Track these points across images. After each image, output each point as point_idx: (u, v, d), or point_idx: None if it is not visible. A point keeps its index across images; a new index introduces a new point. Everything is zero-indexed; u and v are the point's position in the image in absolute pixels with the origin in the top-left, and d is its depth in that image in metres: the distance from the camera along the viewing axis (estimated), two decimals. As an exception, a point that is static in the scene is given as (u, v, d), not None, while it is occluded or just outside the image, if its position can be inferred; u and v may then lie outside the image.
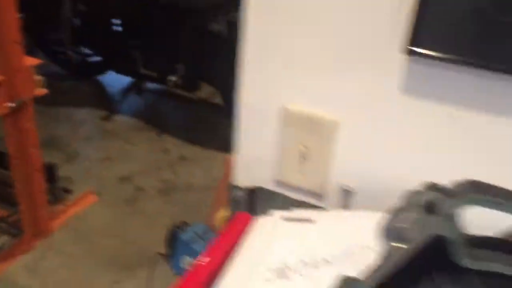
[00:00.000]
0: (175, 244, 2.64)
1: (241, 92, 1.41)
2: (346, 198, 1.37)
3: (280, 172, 1.44)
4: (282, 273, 1.07)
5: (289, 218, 1.26)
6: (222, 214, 1.62)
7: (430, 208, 0.41)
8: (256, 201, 1.49)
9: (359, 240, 1.10)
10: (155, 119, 4.70)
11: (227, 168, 1.57)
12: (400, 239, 0.42)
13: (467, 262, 0.40)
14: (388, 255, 0.43)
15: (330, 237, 1.15)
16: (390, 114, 1.25)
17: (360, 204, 1.35)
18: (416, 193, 0.43)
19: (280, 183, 1.47)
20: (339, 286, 0.45)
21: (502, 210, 0.39)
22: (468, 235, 0.43)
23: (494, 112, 1.12)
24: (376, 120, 1.27)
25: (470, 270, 0.40)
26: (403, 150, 1.27)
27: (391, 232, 0.42)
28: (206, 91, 4.92)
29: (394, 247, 0.42)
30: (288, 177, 1.43)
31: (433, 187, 0.42)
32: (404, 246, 0.41)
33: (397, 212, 0.42)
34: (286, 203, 1.44)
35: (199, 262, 1.16)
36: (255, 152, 1.46)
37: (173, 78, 4.16)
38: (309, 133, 1.35)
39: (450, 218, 0.39)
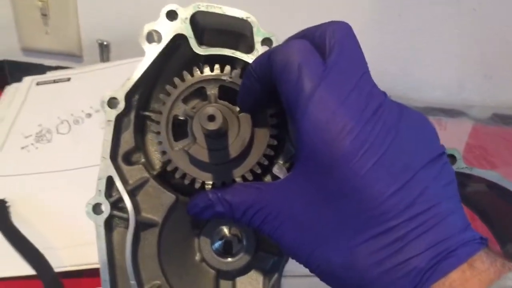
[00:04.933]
0: None
1: None
2: (103, 52, 1.30)
3: (24, 37, 1.29)
4: (41, 136, 1.00)
5: (42, 81, 1.16)
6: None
7: (171, 16, 0.48)
8: (6, 76, 1.32)
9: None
10: None
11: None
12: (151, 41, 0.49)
13: (200, 50, 0.49)
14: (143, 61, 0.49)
15: (89, 91, 1.10)
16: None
17: (118, 55, 1.29)
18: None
19: (28, 50, 1.32)
20: (104, 105, 0.48)
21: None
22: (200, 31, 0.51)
23: None
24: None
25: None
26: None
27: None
28: None
29: (148, 48, 0.48)
30: (34, 41, 1.29)
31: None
32: (155, 45, 0.48)
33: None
34: (43, 72, 1.31)
35: None
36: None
37: None
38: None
39: (186, 21, 0.48)
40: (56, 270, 0.77)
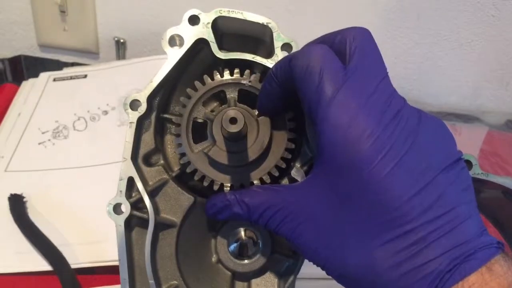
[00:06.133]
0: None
1: None
2: (120, 50, 1.31)
3: (41, 33, 1.30)
4: (58, 132, 1.01)
5: (59, 77, 1.17)
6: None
7: (193, 21, 0.49)
8: (22, 71, 1.34)
9: (135, 85, 1.07)
10: None
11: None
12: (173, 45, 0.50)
13: (221, 55, 0.50)
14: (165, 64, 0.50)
15: (105, 88, 1.11)
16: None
17: (134, 53, 1.30)
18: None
19: (45, 46, 1.34)
20: (127, 107, 0.49)
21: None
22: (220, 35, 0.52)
23: None
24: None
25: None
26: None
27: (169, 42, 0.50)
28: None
29: (170, 52, 0.49)
30: (52, 37, 1.30)
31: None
32: (177, 49, 0.49)
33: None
34: (60, 68, 1.32)
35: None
36: (7, 15, 1.28)
37: None
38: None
39: (208, 26, 0.49)
40: (71, 266, 0.78)
